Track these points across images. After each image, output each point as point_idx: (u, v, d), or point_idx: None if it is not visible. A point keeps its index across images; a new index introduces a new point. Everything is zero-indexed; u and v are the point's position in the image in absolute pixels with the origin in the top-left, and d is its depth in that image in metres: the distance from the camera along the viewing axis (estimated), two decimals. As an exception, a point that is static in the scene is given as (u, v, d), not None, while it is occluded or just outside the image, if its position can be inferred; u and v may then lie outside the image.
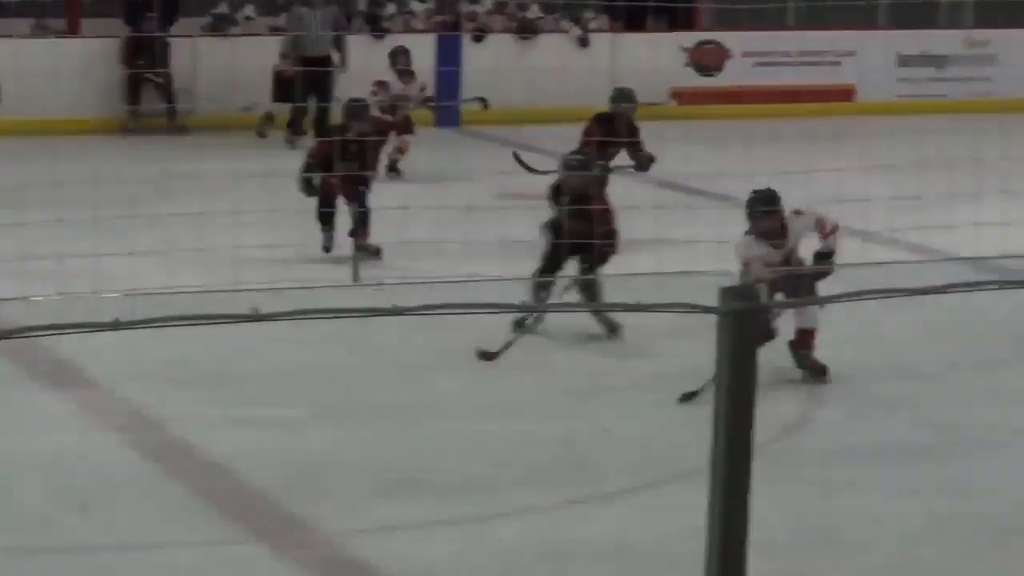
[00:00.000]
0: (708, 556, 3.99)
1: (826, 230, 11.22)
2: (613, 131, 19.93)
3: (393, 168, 23.81)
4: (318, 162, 19.24)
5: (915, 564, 10.38)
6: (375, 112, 22.12)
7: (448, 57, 27.01)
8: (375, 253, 18.62)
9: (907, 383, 13.36)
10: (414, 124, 23.81)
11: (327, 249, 18.99)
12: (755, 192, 12.06)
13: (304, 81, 27.04)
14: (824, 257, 11.99)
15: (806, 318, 11.38)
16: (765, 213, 11.08)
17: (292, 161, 22.33)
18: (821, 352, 13.23)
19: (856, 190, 19.74)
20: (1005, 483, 12.02)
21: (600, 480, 12.00)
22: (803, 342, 11.92)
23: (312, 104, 26.88)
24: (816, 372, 11.75)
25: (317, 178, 19.26)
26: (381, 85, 22.88)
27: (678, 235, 18.27)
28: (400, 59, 23.24)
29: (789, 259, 10.56)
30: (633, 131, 20.51)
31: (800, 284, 10.82)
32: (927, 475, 11.95)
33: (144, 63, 27.13)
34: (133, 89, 27.43)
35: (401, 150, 23.59)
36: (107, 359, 13.55)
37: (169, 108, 27.62)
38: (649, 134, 22.55)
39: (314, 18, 27.22)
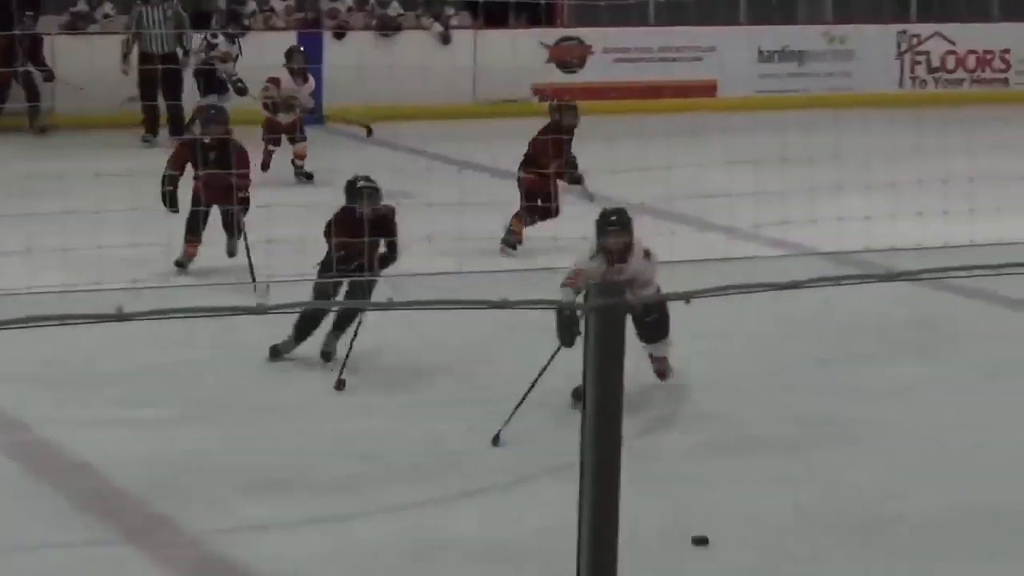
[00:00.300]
0: (579, 552, 3.96)
1: (648, 289, 10.60)
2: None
3: (302, 174, 23.50)
4: (179, 169, 18.75)
5: (784, 557, 10.39)
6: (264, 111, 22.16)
7: (310, 55, 26.95)
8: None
9: (771, 377, 13.41)
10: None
11: (180, 264, 18.36)
12: (606, 210, 11.75)
13: (150, 80, 26.83)
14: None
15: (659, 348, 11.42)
16: (609, 231, 10.78)
17: (152, 159, 22.28)
18: (686, 345, 13.24)
19: (718, 185, 19.85)
20: (870, 476, 12.12)
21: (468, 478, 12.03)
22: (663, 369, 11.97)
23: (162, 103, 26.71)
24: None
25: (171, 191, 18.57)
26: (274, 82, 22.60)
27: (539, 231, 18.35)
28: (295, 57, 22.85)
29: (631, 283, 10.13)
30: None
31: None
32: (793, 469, 12.00)
33: (18, 63, 26.50)
34: (2, 90, 27.02)
35: (300, 156, 23.30)
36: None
37: (32, 108, 27.20)
38: (512, 131, 22.61)
39: (155, 16, 27.03)
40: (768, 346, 13.29)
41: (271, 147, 22.35)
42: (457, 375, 14.04)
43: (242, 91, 24.34)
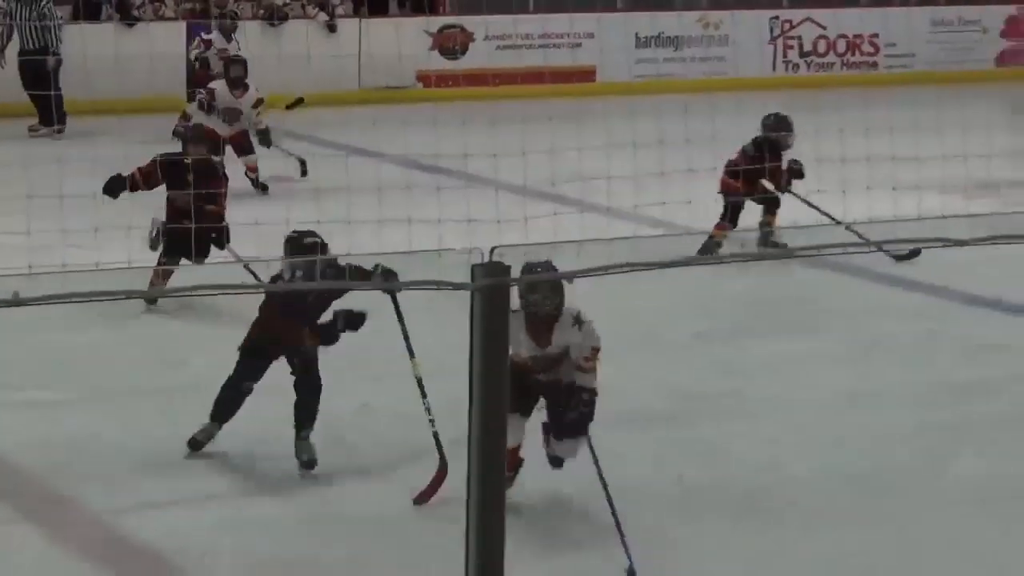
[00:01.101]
0: (468, 524, 4.07)
1: (589, 365, 9.28)
2: None
3: (258, 186, 23.01)
4: (146, 185, 17.77)
5: (667, 530, 10.55)
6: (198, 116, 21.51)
7: (199, 45, 26.85)
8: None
9: (652, 353, 13.52)
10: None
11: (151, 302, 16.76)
12: (528, 264, 9.10)
13: (25, 74, 26.50)
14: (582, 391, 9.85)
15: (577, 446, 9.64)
16: (537, 297, 8.89)
17: (43, 147, 22.26)
18: None
19: (598, 168, 19.89)
20: (749, 448, 12.34)
21: (358, 454, 12.14)
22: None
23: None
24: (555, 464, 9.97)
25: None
26: (210, 93, 21.81)
27: (426, 214, 18.38)
28: (234, 68, 22.02)
29: (558, 362, 8.93)
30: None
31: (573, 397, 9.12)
32: (675, 443, 12.14)
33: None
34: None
35: (252, 169, 22.66)
36: None
37: None
38: (395, 117, 22.69)
39: (23, 13, 26.51)
40: (649, 322, 13.40)
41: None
42: (348, 356, 14.03)
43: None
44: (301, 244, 11.36)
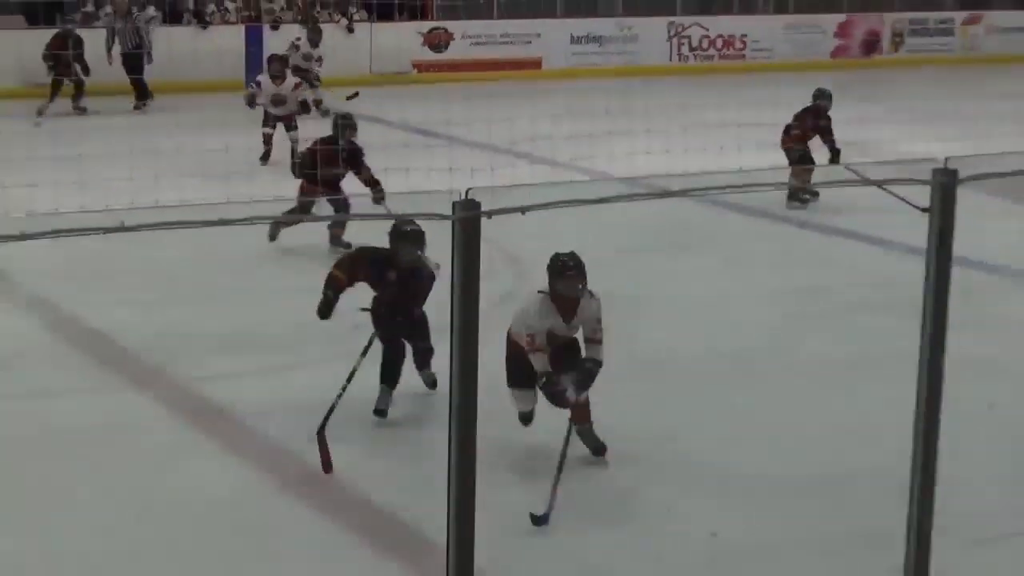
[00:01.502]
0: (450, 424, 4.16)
1: (598, 336, 8.32)
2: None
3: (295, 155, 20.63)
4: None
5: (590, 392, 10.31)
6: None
7: (253, 42, 26.55)
8: (347, 247, 14.76)
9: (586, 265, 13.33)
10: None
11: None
12: (560, 255, 8.42)
13: (126, 66, 25.20)
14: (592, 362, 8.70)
15: (580, 393, 8.26)
16: (567, 276, 8.06)
17: (148, 118, 22.03)
18: (519, 245, 13.52)
19: (544, 131, 19.76)
20: (657, 334, 12.22)
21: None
22: (581, 415, 8.44)
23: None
24: (598, 451, 8.62)
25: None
26: (257, 84, 20.25)
27: (419, 165, 18.17)
28: (273, 65, 20.36)
29: (574, 339, 8.23)
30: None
31: (587, 365, 8.23)
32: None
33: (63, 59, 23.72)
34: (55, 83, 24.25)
35: (294, 141, 20.36)
36: (23, 263, 13.28)
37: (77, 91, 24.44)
38: (396, 95, 22.54)
39: (122, 23, 25.21)
40: (581, 243, 13.19)
41: (268, 131, 19.72)
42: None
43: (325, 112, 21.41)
44: (404, 232, 9.62)
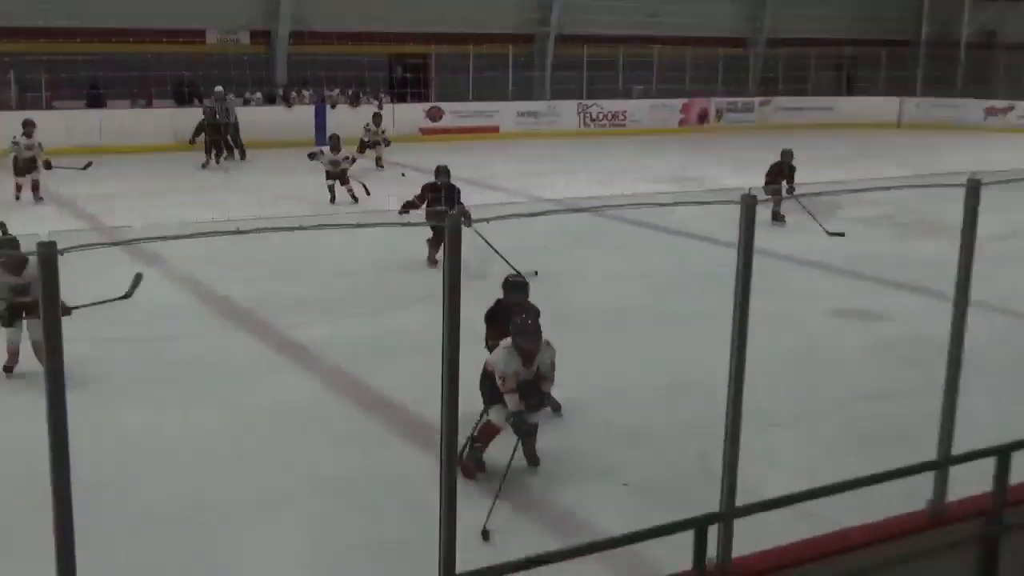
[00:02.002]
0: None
1: (551, 375, 7.37)
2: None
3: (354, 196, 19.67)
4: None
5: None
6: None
7: (319, 115, 26.29)
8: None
9: (528, 263, 13.04)
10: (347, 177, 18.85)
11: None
12: (520, 317, 7.40)
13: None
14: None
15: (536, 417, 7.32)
16: (526, 331, 7.14)
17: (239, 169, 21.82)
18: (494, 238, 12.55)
19: (502, 171, 19.67)
20: (581, 299, 12.05)
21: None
22: (486, 438, 7.29)
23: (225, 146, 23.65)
24: (533, 463, 7.34)
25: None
26: (321, 151, 18.98)
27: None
28: (332, 141, 18.95)
29: (536, 379, 7.20)
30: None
31: (538, 398, 7.30)
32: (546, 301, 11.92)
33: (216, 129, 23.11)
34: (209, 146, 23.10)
35: (349, 191, 19.17)
36: (175, 252, 13.24)
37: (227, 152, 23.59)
38: (409, 149, 22.25)
39: (218, 104, 23.71)
40: (523, 240, 12.89)
41: (330, 183, 18.42)
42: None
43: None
44: (512, 282, 8.44)
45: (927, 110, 33.64)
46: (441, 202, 13.45)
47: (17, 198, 16.83)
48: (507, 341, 7.22)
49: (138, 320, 10.76)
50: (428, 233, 13.26)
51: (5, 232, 11.48)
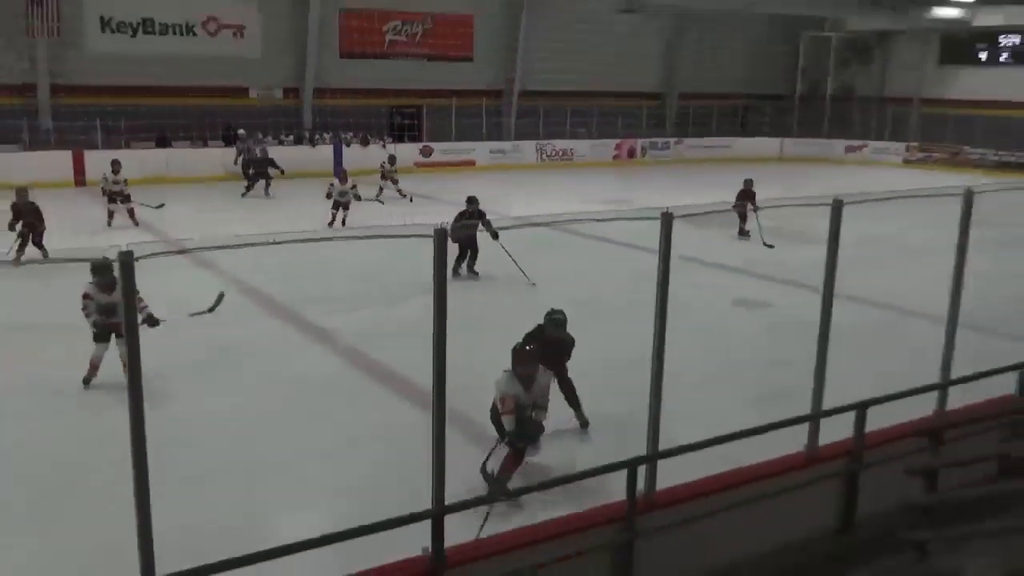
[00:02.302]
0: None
1: (544, 402, 6.48)
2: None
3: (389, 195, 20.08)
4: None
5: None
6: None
7: (337, 153, 25.91)
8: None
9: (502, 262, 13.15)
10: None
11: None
12: (520, 345, 6.55)
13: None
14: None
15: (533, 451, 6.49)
16: (526, 360, 6.34)
17: (266, 199, 21.59)
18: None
19: (485, 195, 19.54)
20: (543, 295, 11.81)
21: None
22: (512, 465, 6.30)
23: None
24: (502, 491, 5.91)
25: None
26: (332, 185, 17.46)
27: (423, 211, 17.98)
28: (341, 174, 18.04)
29: (534, 402, 6.34)
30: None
31: (535, 427, 6.41)
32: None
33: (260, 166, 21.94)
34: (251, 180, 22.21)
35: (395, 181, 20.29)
36: (225, 258, 13.08)
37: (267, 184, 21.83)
38: (407, 180, 22.08)
39: (250, 141, 23.47)
40: (496, 247, 12.85)
41: (334, 211, 17.30)
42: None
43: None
44: (551, 318, 7.40)
45: (801, 147, 33.82)
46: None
47: (109, 224, 16.45)
48: (505, 372, 6.41)
49: (198, 310, 10.66)
50: (424, 245, 13.14)
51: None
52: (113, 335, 8.18)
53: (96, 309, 8.16)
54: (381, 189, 20.30)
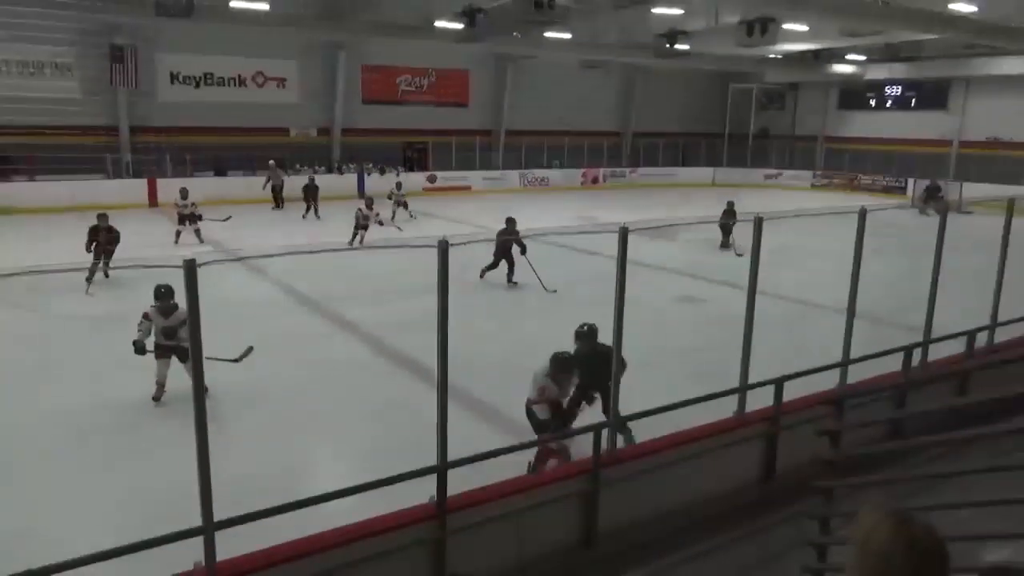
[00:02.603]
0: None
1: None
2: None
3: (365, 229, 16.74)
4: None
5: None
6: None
7: (360, 180, 25.74)
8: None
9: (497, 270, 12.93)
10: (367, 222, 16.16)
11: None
12: (563, 356, 5.71)
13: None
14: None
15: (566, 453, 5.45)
16: (567, 370, 5.61)
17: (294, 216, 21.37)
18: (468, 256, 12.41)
19: (473, 216, 19.31)
20: (519, 293, 11.74)
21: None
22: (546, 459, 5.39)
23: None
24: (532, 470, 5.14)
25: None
26: (360, 210, 16.08)
27: (427, 227, 17.87)
28: (367, 200, 16.51)
29: (565, 401, 5.72)
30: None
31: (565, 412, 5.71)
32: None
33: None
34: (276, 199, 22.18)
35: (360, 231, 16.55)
36: (271, 264, 12.96)
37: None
38: (416, 204, 21.80)
39: (279, 169, 22.50)
40: (481, 253, 12.80)
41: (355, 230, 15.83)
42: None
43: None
44: (581, 331, 6.13)
45: (730, 175, 33.77)
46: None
47: (176, 242, 15.94)
48: (545, 376, 5.64)
49: (249, 306, 10.60)
50: (430, 254, 13.00)
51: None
52: (174, 356, 7.29)
53: (153, 331, 7.23)
54: (394, 213, 19.82)
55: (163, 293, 7.15)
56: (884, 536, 1.38)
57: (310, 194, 21.11)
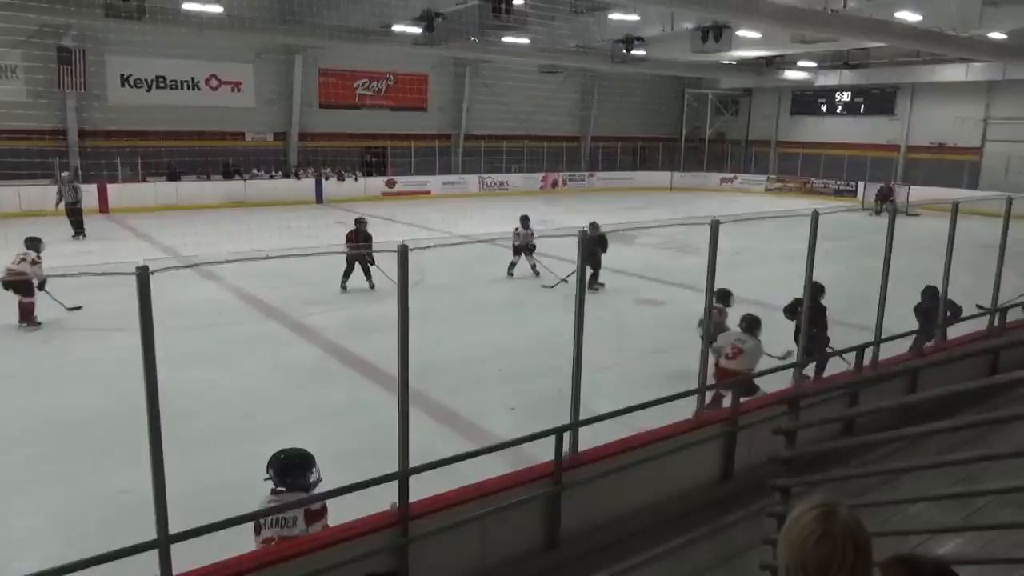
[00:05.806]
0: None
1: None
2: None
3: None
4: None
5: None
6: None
7: (317, 185, 25.33)
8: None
9: (456, 272, 12.91)
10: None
11: None
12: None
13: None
14: None
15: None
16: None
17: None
18: (426, 260, 12.23)
19: (433, 218, 19.17)
20: (482, 295, 11.73)
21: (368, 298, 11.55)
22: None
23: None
24: None
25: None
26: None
27: (388, 232, 17.71)
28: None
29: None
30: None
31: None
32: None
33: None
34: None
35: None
36: (232, 272, 12.72)
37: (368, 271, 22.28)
38: (375, 208, 21.51)
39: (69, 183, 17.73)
40: (446, 260, 12.70)
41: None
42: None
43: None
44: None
45: (686, 179, 34.29)
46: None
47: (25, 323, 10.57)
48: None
49: (204, 313, 10.40)
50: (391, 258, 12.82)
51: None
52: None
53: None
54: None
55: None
56: (802, 525, 1.40)
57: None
